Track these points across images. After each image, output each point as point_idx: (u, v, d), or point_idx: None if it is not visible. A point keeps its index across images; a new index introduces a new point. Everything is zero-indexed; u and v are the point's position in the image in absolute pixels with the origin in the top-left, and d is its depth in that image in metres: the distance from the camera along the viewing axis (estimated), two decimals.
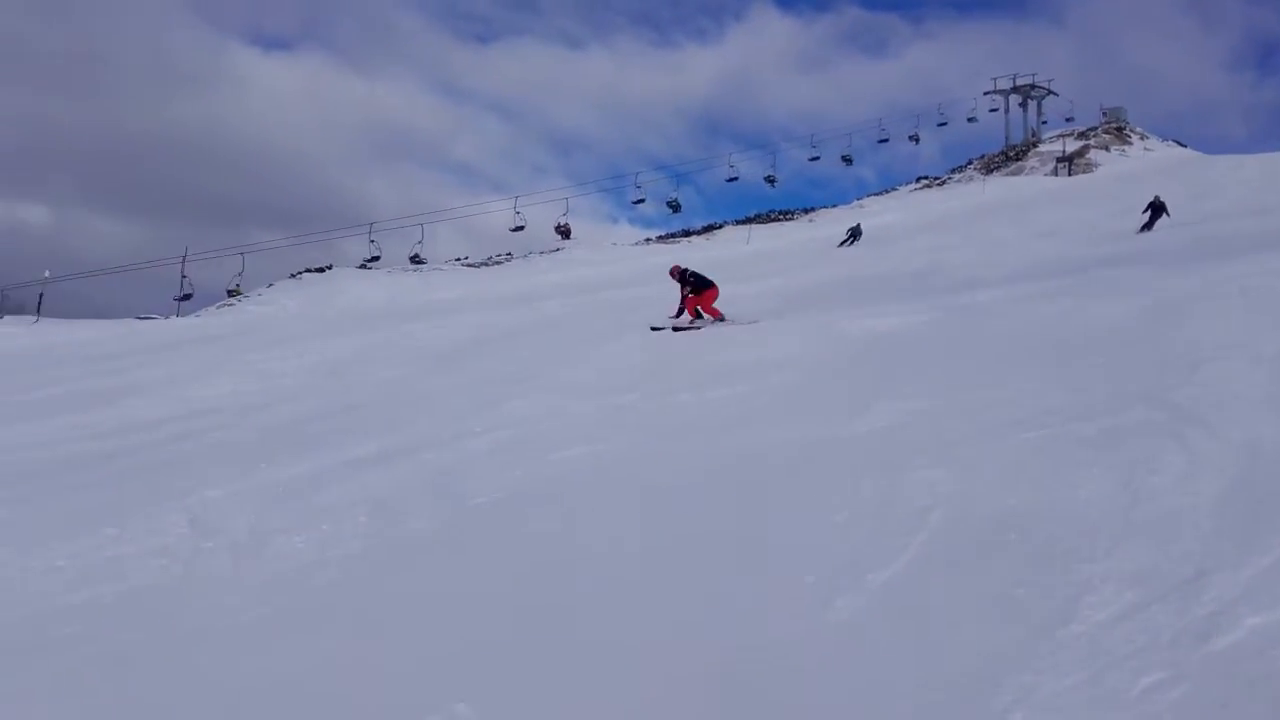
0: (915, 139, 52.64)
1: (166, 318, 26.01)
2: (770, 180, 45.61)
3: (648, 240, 43.18)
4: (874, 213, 41.43)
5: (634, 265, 31.63)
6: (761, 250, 33.97)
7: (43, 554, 5.96)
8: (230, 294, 27.78)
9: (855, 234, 33.34)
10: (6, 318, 26.28)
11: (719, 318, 15.63)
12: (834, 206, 47.47)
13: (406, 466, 7.61)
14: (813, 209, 47.14)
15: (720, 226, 44.50)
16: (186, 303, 27.70)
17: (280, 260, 35.37)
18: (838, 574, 4.38)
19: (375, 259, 30.81)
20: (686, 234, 43.36)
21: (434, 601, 4.87)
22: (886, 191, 51.51)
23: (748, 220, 44.87)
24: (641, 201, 41.37)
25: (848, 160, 49.48)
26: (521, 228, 34.85)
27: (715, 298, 15.88)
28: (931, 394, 7.88)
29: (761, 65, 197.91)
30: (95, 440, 10.21)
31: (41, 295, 27.19)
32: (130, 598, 5.26)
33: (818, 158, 48.93)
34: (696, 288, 15.87)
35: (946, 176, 52.94)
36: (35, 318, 26.29)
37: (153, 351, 18.56)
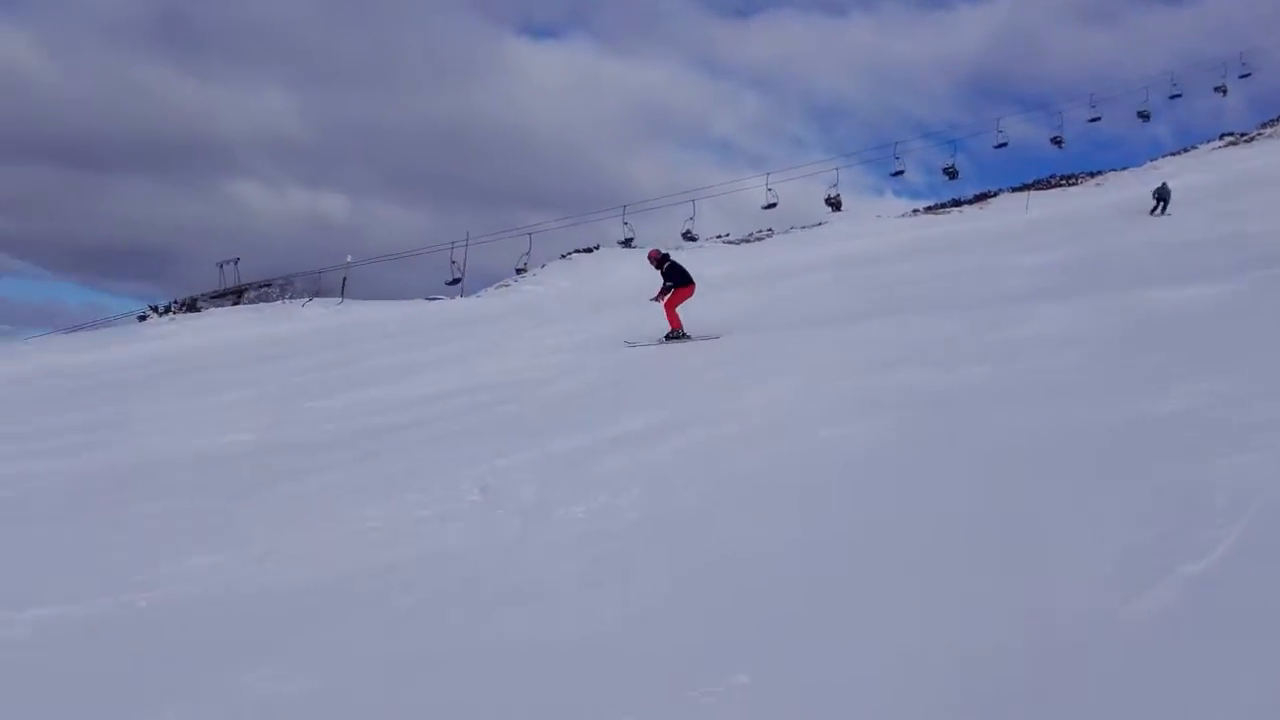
0: (1222, 90, 47.53)
1: (451, 298, 27.90)
2: (1057, 142, 42.79)
3: (915, 211, 41.69)
4: (1169, 174, 37.89)
5: (899, 238, 30.70)
6: (1042, 219, 31.93)
7: (359, 515, 6.58)
8: (519, 271, 29.44)
9: (1163, 197, 29.23)
10: (316, 299, 29.03)
11: (677, 328, 14.49)
12: (1124, 169, 43.84)
13: (677, 441, 7.78)
14: (1100, 172, 43.79)
15: (994, 194, 42.23)
16: (458, 285, 29.62)
17: (551, 242, 36.79)
18: (1142, 565, 4.05)
19: (629, 240, 31.66)
20: (957, 203, 41.48)
21: (707, 573, 4.95)
22: (1185, 150, 46.96)
23: (1025, 187, 42.32)
24: (900, 173, 39.96)
25: (1144, 116, 45.36)
26: (774, 204, 34.55)
27: (686, 298, 14.72)
28: (1242, 374, 7.15)
29: (1039, 21, 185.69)
30: (396, 412, 11.12)
31: (345, 278, 29.83)
32: (434, 558, 5.69)
33: (1098, 118, 45.25)
34: (679, 280, 14.79)
35: (1256, 132, 47.55)
36: (340, 299, 28.89)
37: (440, 329, 19.96)
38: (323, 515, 6.73)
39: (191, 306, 31.71)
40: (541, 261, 30.32)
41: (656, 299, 14.96)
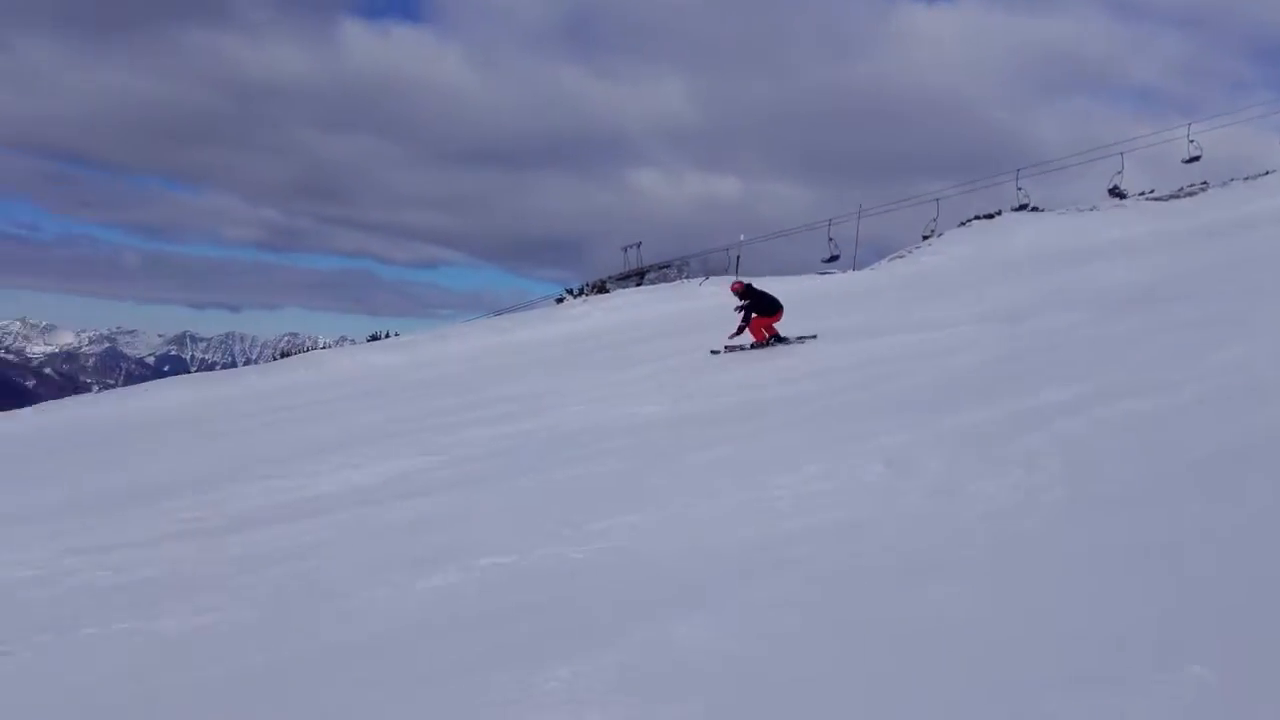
0: None
1: (844, 272, 27.68)
2: None
3: None
4: None
5: None
6: None
7: (765, 484, 6.69)
8: (925, 238, 28.56)
9: None
10: (712, 278, 30.07)
11: (762, 340, 14.77)
12: None
13: (1101, 415, 7.12)
14: None
15: None
16: (836, 262, 29.20)
17: (948, 209, 34.87)
18: None
19: (1024, 205, 29.35)
20: None
21: (1138, 557, 4.47)
22: None
23: None
24: None
25: None
26: (1196, 158, 30.30)
27: (772, 323, 14.92)
28: None
29: None
30: (793, 385, 11.22)
31: (738, 257, 30.66)
32: (839, 529, 5.64)
33: None
34: (762, 308, 14.86)
35: None
36: (734, 277, 29.69)
37: (833, 303, 19.88)
38: (730, 482, 6.92)
39: (601, 288, 34.16)
40: (938, 230, 29.17)
41: (738, 332, 15.04)
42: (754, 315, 15.03)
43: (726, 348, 15.22)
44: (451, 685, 4.02)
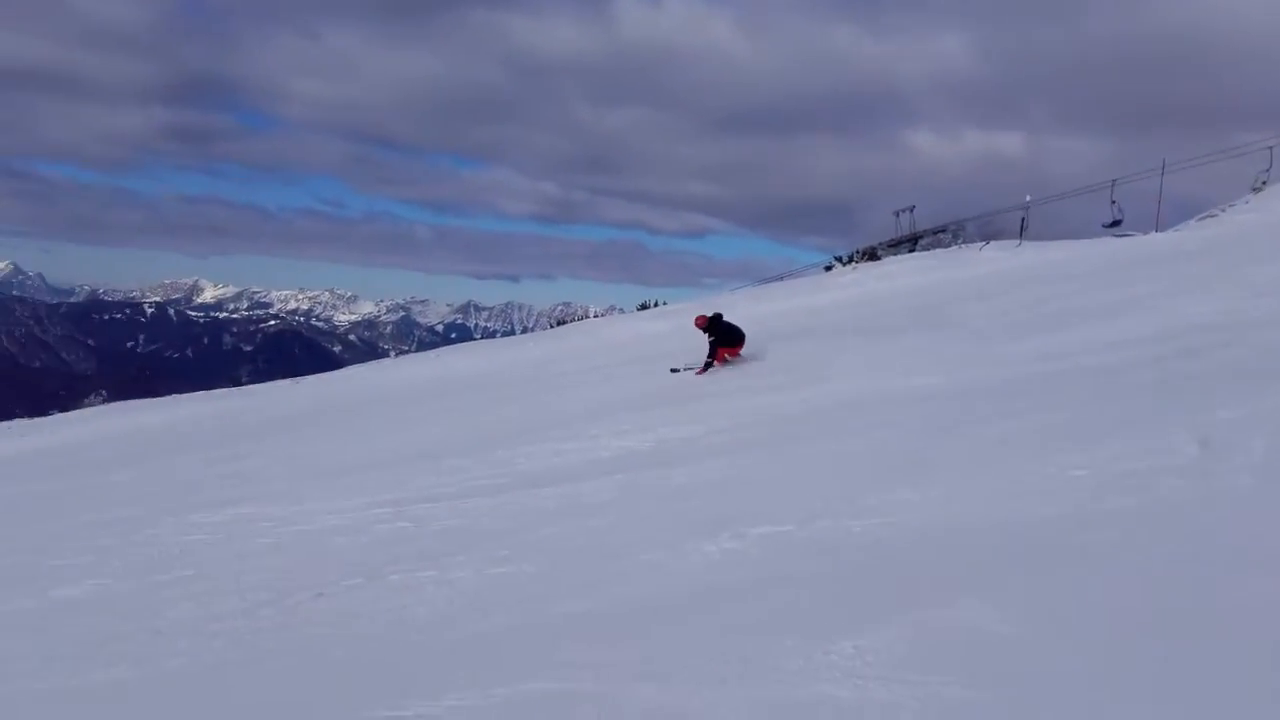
0: None
1: (1144, 234, 25.40)
2: None
3: None
4: None
5: None
6: None
7: (1059, 462, 6.22)
8: (1254, 190, 25.56)
9: None
10: (993, 243, 28.52)
11: (723, 361, 15.59)
12: None
13: None
14: None
15: None
16: (1118, 227, 26.64)
17: (1265, 162, 30.66)
18: None
19: None
20: None
21: None
22: None
23: None
24: None
25: None
26: None
27: (732, 352, 15.76)
28: None
29: None
30: (1088, 357, 10.43)
31: (1024, 220, 28.86)
32: (1146, 512, 5.16)
33: None
34: (725, 339, 15.65)
35: None
36: (1018, 241, 28.02)
37: (1131, 268, 18.31)
38: (1021, 458, 6.51)
39: (871, 255, 33.31)
40: (1270, 181, 25.95)
41: (701, 369, 15.53)
42: (719, 347, 15.77)
43: (686, 367, 15.99)
44: (729, 652, 4.00)
